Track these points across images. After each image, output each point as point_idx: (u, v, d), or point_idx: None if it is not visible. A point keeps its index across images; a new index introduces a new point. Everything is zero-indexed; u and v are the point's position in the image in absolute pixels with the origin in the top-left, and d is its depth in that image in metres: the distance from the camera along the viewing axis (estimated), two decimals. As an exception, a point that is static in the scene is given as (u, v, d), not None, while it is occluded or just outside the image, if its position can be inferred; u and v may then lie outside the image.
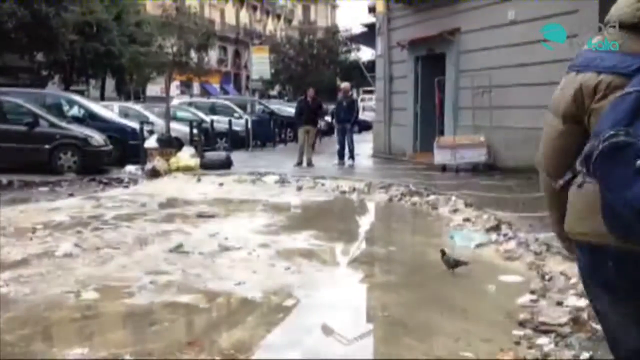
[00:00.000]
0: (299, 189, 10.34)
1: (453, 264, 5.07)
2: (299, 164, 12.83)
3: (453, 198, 8.31)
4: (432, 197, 8.75)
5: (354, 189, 9.97)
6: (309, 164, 12.83)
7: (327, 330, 3.88)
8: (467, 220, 7.20)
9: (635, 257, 1.64)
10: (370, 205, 9.24)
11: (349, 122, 13.32)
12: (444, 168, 11.38)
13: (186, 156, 12.28)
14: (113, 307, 4.29)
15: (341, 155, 13.23)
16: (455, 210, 7.83)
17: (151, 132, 13.19)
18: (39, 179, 10.48)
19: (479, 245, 6.06)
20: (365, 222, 8.45)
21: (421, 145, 13.89)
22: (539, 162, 1.95)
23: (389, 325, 4.03)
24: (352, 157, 13.14)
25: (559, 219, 1.93)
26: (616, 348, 1.89)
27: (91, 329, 3.90)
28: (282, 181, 10.91)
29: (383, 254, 6.13)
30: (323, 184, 10.51)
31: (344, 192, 9.94)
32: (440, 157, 11.45)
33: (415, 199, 8.94)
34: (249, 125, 16.91)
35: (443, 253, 5.17)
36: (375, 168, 13.18)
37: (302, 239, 6.46)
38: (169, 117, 13.61)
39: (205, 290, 4.63)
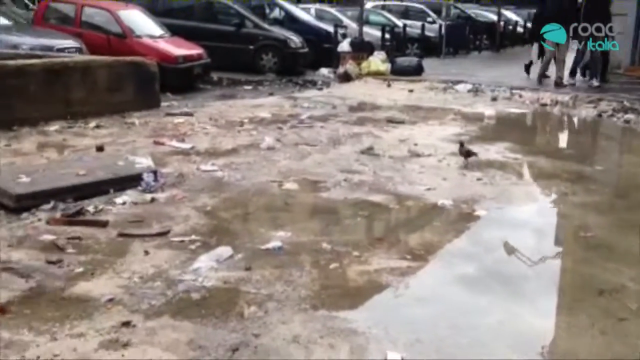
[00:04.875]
0: (494, 99, 9.78)
1: (465, 154, 5.51)
2: (542, 75, 10.97)
3: (678, 117, 7.22)
4: (651, 115, 7.71)
5: (557, 102, 9.15)
6: (559, 83, 10.50)
7: (509, 249, 3.74)
8: (695, 143, 6.25)
9: None
10: (575, 121, 8.45)
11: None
12: (669, 83, 9.83)
13: (377, 61, 12.25)
14: (311, 199, 4.58)
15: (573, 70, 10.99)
16: (679, 132, 6.83)
17: (344, 36, 13.31)
18: (244, 77, 11.35)
19: None
20: (568, 138, 7.79)
21: (641, 56, 12.09)
22: None
23: (592, 248, 3.74)
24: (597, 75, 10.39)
25: None
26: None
27: (292, 215, 4.23)
28: (476, 90, 10.41)
29: (587, 172, 5.61)
30: (521, 95, 9.82)
31: (544, 105, 9.18)
32: (665, 70, 9.87)
33: (630, 116, 7.99)
34: (443, 31, 16.18)
35: (461, 144, 5.64)
36: (583, 80, 11.84)
37: (495, 151, 6.18)
38: (362, 20, 13.53)
39: (395, 192, 4.71)
